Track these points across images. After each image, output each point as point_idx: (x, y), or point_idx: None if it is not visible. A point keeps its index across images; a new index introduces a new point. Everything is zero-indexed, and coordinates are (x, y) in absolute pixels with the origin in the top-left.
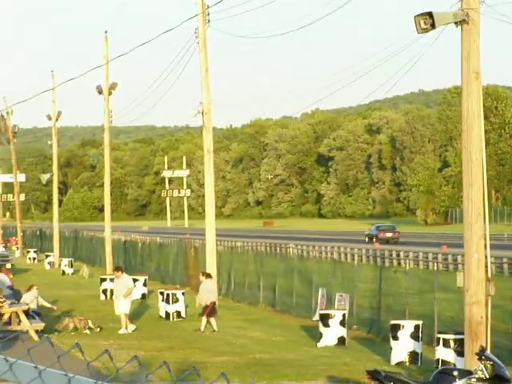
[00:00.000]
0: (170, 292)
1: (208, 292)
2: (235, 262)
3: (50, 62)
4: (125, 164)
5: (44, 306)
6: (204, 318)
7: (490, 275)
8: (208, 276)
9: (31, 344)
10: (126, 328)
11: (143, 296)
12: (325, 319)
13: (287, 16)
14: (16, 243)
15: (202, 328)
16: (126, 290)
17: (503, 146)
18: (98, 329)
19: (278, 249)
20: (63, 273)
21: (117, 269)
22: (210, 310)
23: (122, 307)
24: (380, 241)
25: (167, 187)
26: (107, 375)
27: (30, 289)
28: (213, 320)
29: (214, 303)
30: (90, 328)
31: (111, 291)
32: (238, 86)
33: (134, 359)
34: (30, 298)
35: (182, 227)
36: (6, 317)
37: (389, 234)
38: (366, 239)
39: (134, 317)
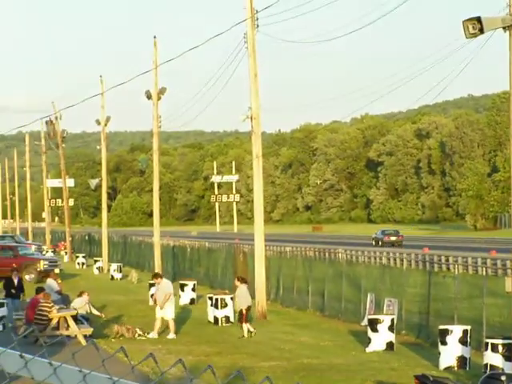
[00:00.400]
0: (219, 297)
1: (241, 297)
2: (284, 267)
3: (99, 67)
4: (174, 169)
5: (92, 313)
6: (244, 325)
7: None
8: (243, 281)
9: (76, 348)
10: (175, 333)
11: (192, 301)
12: (373, 324)
13: (336, 21)
14: (65, 248)
15: (246, 334)
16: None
17: None
18: (146, 334)
19: (327, 254)
20: (112, 278)
21: (155, 275)
22: (246, 316)
23: (168, 313)
24: (385, 244)
25: (216, 192)
26: (154, 380)
27: (81, 294)
28: (247, 325)
29: (248, 308)
30: (139, 335)
31: None
32: (287, 91)
33: (178, 363)
34: (80, 304)
35: (230, 232)
36: (54, 322)
37: (393, 238)
38: (373, 242)
39: (182, 321)
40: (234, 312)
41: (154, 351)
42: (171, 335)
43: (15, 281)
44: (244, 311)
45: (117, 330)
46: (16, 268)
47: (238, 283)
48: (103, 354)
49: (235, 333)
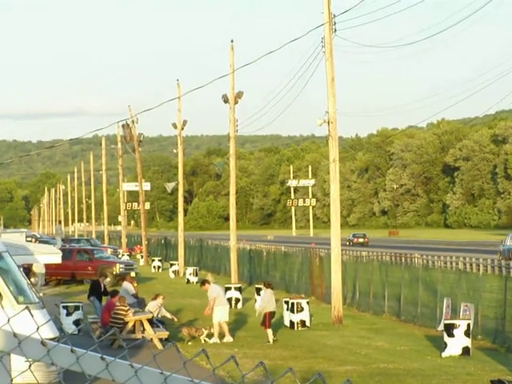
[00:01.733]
0: (295, 301)
1: (265, 302)
2: (360, 271)
3: (176, 71)
4: (250, 173)
5: (165, 316)
6: (269, 330)
7: None
8: (268, 286)
9: (156, 351)
10: (218, 337)
11: None
12: (449, 329)
13: (414, 25)
14: (140, 252)
15: (271, 340)
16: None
17: None
18: (207, 339)
19: (403, 258)
20: (188, 281)
21: (203, 282)
22: (269, 321)
23: (215, 316)
24: (355, 244)
25: (292, 196)
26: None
27: (155, 297)
28: (270, 332)
29: (270, 314)
30: (208, 335)
31: (236, 300)
32: (363, 95)
33: (259, 365)
34: (154, 307)
35: (307, 236)
36: (130, 325)
37: (361, 240)
38: (347, 243)
39: (258, 326)
40: (311, 316)
41: (230, 355)
42: (212, 339)
43: (102, 285)
44: (267, 316)
45: (188, 332)
46: (104, 273)
47: (263, 288)
48: (183, 357)
49: (311, 337)
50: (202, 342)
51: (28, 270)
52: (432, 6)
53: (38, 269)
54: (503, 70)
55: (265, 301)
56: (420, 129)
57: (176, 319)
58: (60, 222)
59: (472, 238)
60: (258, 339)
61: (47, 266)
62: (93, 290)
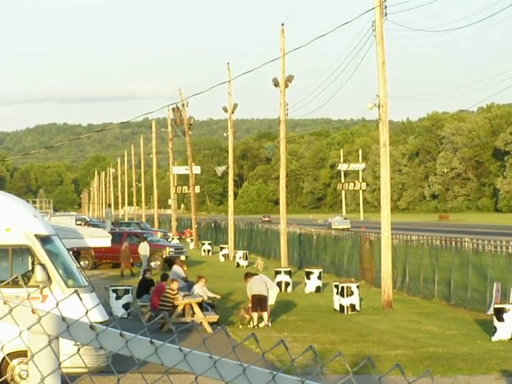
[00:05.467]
0: (345, 285)
1: (249, 288)
2: (410, 255)
3: (226, 54)
4: (300, 157)
5: (208, 296)
6: (254, 314)
7: None
8: (250, 276)
9: (206, 335)
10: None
11: (318, 289)
12: (499, 313)
13: (465, 9)
14: (190, 235)
15: (255, 322)
16: None
17: None
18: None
19: (453, 243)
20: (238, 265)
21: (246, 276)
22: (253, 305)
23: None
24: (262, 222)
25: (343, 180)
26: (281, 368)
27: (198, 280)
28: (255, 315)
29: (253, 298)
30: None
31: (286, 284)
32: (414, 79)
33: (309, 349)
34: (202, 290)
35: (357, 220)
36: (179, 308)
37: (266, 219)
38: (260, 220)
39: (308, 309)
40: (361, 300)
41: (280, 339)
42: (262, 323)
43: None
44: (250, 300)
45: (242, 314)
46: (149, 269)
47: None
48: (232, 341)
49: (361, 321)
50: (253, 325)
51: (78, 254)
52: None
53: (144, 251)
54: None
55: (250, 286)
56: (471, 113)
57: (219, 296)
58: (110, 206)
59: None
60: (307, 323)
61: (96, 250)
62: (142, 288)
